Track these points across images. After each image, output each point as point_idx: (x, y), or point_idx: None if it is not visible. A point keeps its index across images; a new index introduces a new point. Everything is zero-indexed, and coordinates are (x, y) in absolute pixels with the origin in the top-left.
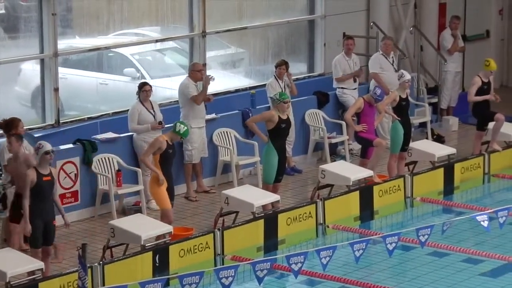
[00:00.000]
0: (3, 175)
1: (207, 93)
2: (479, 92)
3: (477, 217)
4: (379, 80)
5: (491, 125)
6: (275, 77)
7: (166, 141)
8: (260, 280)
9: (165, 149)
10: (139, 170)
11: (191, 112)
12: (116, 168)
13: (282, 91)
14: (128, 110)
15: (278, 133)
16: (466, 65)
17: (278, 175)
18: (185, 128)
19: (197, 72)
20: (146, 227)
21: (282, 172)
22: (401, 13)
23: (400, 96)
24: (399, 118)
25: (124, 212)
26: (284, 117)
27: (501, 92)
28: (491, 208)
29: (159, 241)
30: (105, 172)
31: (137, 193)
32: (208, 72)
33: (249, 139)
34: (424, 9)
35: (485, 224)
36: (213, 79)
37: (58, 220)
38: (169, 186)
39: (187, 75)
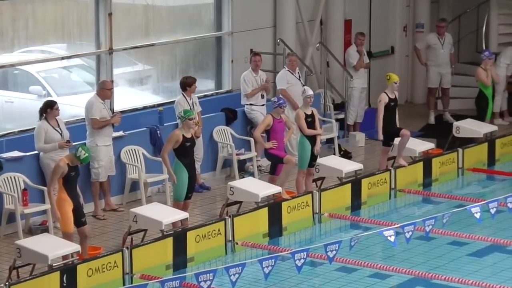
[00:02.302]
0: None
1: (115, 112)
2: (386, 108)
3: (384, 232)
4: (287, 96)
5: (397, 140)
6: (183, 95)
7: (68, 164)
8: None
9: (67, 172)
10: (45, 189)
11: (98, 129)
12: (22, 187)
13: (190, 108)
14: (34, 128)
15: (183, 152)
16: (372, 81)
17: (188, 192)
18: (86, 155)
19: (106, 90)
20: (53, 246)
21: (192, 189)
22: (307, 30)
23: (305, 112)
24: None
25: (30, 231)
26: (188, 135)
27: (406, 108)
28: (398, 223)
29: (67, 260)
30: (11, 191)
31: (44, 212)
32: (115, 90)
33: (157, 156)
34: (330, 26)
35: (392, 239)
36: (119, 122)
37: None
38: (75, 206)
39: (95, 92)
